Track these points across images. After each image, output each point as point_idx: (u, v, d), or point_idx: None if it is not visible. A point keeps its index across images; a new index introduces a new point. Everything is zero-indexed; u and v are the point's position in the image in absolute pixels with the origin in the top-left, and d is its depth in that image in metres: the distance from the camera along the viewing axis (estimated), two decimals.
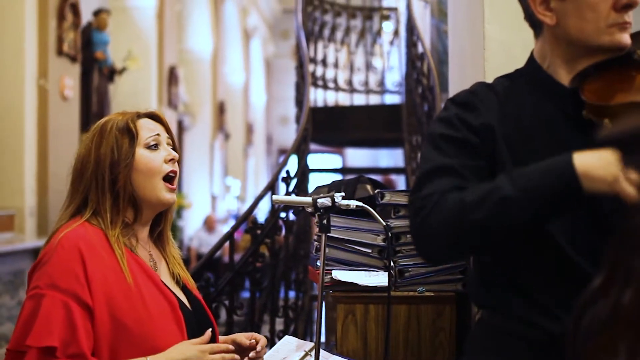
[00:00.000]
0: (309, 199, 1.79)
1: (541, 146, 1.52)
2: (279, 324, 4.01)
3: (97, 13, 7.60)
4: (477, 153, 1.51)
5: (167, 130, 1.83)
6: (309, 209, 1.82)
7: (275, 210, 3.79)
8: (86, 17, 7.21)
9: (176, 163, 1.79)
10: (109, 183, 1.70)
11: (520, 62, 1.68)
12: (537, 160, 1.49)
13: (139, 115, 1.79)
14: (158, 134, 1.78)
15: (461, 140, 1.52)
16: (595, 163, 1.30)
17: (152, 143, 1.76)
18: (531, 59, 1.63)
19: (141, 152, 1.74)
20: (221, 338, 1.90)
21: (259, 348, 1.87)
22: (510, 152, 1.52)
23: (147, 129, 1.77)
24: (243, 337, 1.90)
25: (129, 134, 1.74)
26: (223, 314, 3.34)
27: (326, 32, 7.14)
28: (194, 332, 1.73)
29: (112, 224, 1.69)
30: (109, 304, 1.59)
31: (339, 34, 7.28)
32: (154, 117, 1.82)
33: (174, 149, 1.82)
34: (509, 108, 1.56)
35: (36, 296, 1.57)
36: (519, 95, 1.59)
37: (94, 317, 1.57)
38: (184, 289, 1.84)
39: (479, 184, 1.44)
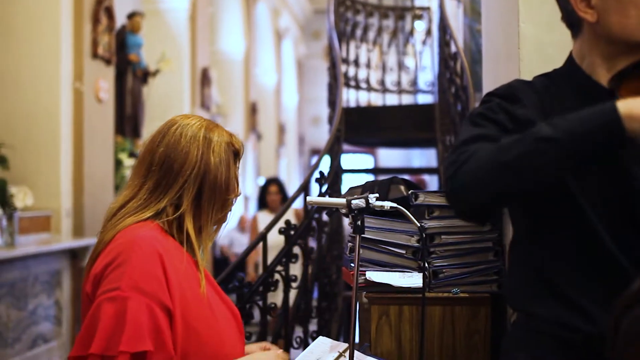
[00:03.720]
0: (343, 200, 1.79)
1: None
2: (313, 325, 4.01)
3: (131, 16, 7.68)
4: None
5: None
6: (343, 210, 1.81)
7: (308, 211, 3.79)
8: (120, 20, 7.28)
9: None
10: (223, 203, 1.73)
11: (555, 62, 1.66)
12: None
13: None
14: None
15: (497, 121, 1.52)
16: (638, 104, 1.31)
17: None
18: (570, 59, 1.62)
19: None
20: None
21: None
22: None
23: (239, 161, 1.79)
24: (259, 352, 1.92)
25: (235, 157, 1.77)
26: (257, 314, 3.34)
27: (358, 32, 7.11)
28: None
29: (198, 241, 1.70)
30: (183, 309, 1.57)
31: (371, 34, 7.25)
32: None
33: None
34: (548, 106, 1.55)
35: (119, 298, 1.50)
36: (557, 94, 1.58)
37: (172, 321, 1.54)
38: None
39: None
